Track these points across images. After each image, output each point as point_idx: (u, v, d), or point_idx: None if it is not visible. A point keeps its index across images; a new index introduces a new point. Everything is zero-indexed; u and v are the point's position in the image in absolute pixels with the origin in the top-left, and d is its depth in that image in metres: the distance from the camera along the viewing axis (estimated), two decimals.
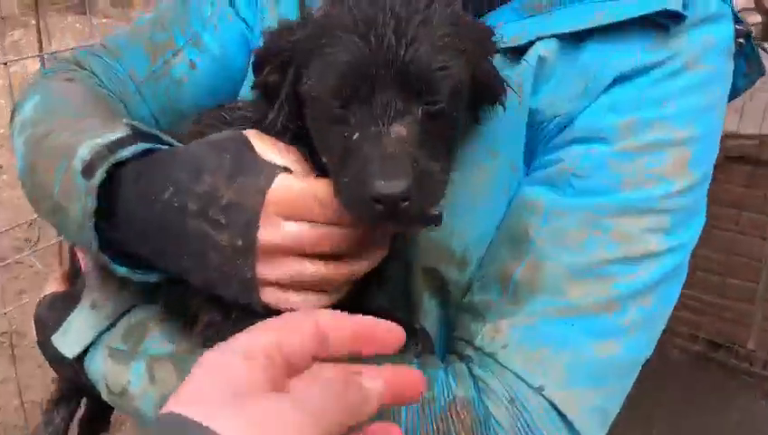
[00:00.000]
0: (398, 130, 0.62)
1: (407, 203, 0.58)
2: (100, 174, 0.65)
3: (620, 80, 0.75)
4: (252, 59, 0.75)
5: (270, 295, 0.66)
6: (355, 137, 0.63)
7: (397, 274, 0.82)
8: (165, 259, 0.68)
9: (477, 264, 0.79)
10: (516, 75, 0.77)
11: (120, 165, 0.66)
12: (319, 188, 0.65)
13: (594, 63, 0.76)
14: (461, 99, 0.67)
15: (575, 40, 0.77)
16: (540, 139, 0.78)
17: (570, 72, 0.77)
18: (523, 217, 0.76)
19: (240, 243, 0.63)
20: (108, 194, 0.66)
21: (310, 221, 0.65)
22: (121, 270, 0.68)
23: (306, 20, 0.70)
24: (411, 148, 0.61)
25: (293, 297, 0.67)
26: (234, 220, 0.63)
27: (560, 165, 0.76)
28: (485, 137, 0.78)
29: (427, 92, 0.63)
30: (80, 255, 0.83)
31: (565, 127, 0.77)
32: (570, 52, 0.77)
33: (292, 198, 0.64)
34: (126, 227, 0.68)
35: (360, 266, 0.69)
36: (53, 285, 0.88)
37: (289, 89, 0.70)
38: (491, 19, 0.80)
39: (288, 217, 0.64)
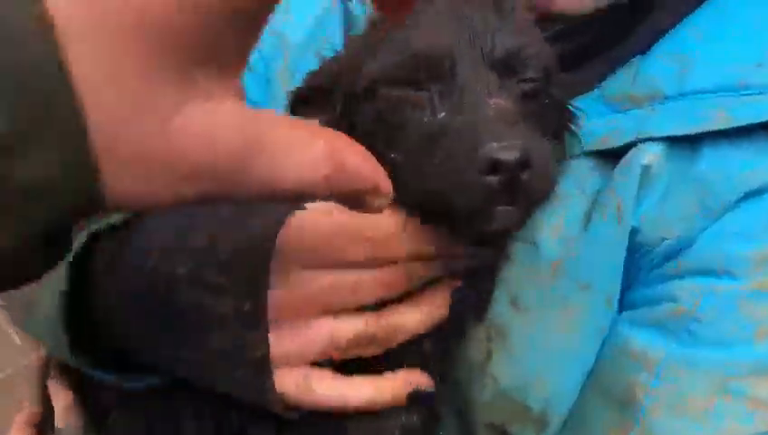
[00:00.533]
0: (497, 102, 0.49)
1: (527, 173, 0.45)
2: (75, 248, 0.50)
3: (748, 196, 0.59)
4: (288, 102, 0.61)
5: (290, 382, 0.50)
6: (441, 115, 0.50)
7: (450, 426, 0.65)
8: (156, 352, 0.52)
9: (561, 424, 0.62)
10: (612, 186, 0.61)
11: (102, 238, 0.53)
12: (361, 222, 0.49)
13: (713, 174, 0.60)
14: (555, 84, 0.56)
15: (686, 142, 0.61)
16: (641, 266, 0.61)
17: (680, 183, 0.60)
18: (626, 372, 0.59)
19: (248, 307, 0.48)
20: (87, 276, 0.52)
21: (336, 266, 0.50)
22: (106, 377, 0.53)
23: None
24: (516, 119, 0.49)
25: (324, 390, 0.51)
26: (237, 277, 0.48)
27: (673, 305, 0.59)
28: (573, 264, 0.61)
29: (520, 70, 0.52)
30: (52, 389, 0.66)
31: (678, 253, 0.60)
32: (680, 157, 0.61)
33: (317, 238, 0.49)
34: (102, 314, 0.53)
35: (414, 316, 0.53)
36: (21, 432, 0.70)
37: (342, 108, 0.56)
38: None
39: (309, 265, 0.50)
